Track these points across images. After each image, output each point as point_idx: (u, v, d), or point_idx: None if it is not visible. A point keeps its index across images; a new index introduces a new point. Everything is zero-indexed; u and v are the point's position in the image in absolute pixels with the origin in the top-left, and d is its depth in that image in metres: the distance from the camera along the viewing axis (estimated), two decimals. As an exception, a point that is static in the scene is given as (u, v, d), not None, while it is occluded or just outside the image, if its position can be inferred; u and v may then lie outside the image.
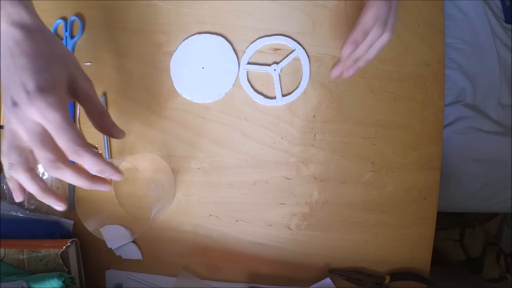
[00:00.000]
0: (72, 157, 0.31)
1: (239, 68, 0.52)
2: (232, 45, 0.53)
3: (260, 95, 0.52)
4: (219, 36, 0.53)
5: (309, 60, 0.52)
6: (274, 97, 0.52)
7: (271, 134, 0.53)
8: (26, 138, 0.31)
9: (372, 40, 0.40)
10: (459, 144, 0.73)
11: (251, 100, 0.52)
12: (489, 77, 0.74)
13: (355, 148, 0.52)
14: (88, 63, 0.55)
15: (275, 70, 0.51)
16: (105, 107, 0.54)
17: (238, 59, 0.52)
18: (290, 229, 0.53)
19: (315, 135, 0.52)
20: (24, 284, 0.44)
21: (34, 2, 0.57)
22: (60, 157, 0.31)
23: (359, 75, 0.52)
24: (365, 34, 0.39)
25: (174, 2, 0.53)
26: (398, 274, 0.53)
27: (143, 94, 0.54)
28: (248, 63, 0.52)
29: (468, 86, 0.74)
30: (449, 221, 1.07)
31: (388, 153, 0.52)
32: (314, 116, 0.52)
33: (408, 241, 0.53)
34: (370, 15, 0.39)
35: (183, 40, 0.53)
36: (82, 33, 0.55)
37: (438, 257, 1.09)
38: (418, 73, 0.52)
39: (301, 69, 0.52)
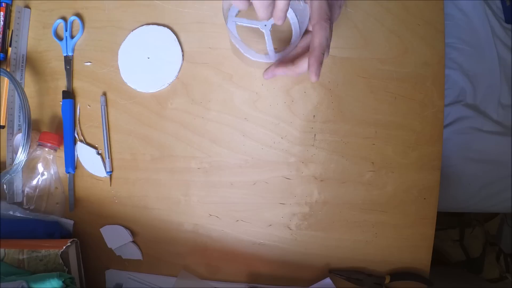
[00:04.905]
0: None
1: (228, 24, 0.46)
2: (177, 37, 0.53)
3: (251, 50, 0.49)
4: (165, 28, 0.53)
5: (298, 20, 0.50)
6: (266, 53, 0.49)
7: (271, 134, 0.53)
8: None
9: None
10: (459, 144, 0.73)
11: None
12: (489, 77, 0.74)
13: (355, 148, 0.52)
14: (88, 63, 0.55)
15: (265, 25, 0.48)
16: (105, 107, 0.55)
17: (224, 15, 0.48)
18: (290, 229, 0.53)
19: (315, 135, 0.52)
20: (24, 284, 0.44)
21: (34, 2, 0.57)
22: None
23: (359, 75, 0.52)
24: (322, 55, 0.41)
25: (174, 2, 0.53)
26: (398, 274, 0.53)
27: (144, 94, 0.54)
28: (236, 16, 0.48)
29: (468, 86, 0.74)
30: (449, 221, 1.07)
31: (388, 153, 0.52)
32: (314, 116, 0.52)
33: (408, 241, 0.53)
34: (322, 37, 0.40)
35: (131, 31, 0.54)
36: (82, 33, 0.55)
37: (438, 257, 1.09)
38: (418, 73, 0.52)
39: (291, 29, 0.51)
